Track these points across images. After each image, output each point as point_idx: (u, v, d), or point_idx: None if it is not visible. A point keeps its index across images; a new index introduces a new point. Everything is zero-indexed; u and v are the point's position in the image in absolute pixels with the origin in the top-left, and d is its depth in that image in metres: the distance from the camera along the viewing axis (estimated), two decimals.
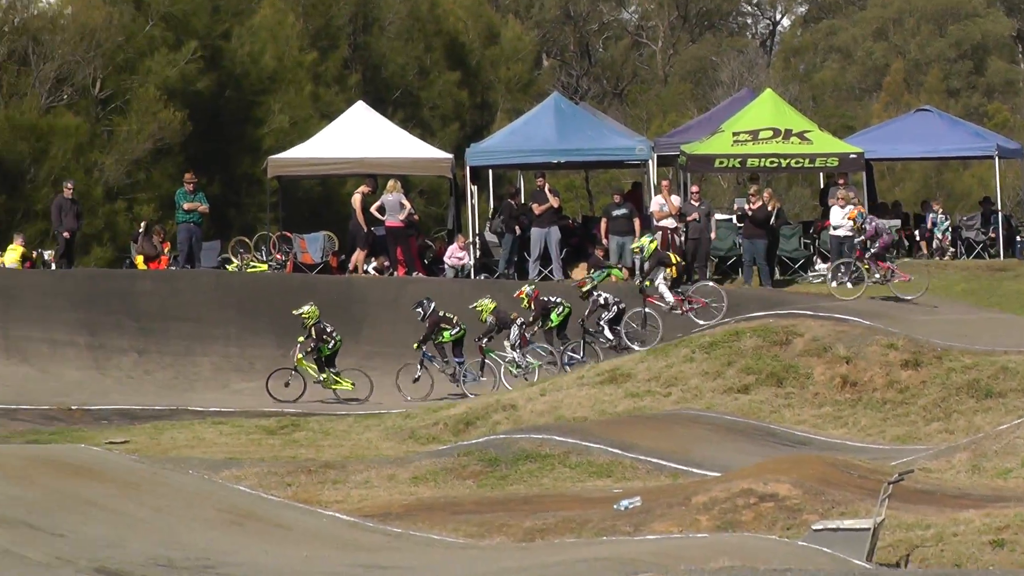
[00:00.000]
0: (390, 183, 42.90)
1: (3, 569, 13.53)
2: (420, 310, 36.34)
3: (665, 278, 37.14)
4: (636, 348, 35.35)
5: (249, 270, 42.49)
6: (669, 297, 36.71)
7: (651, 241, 38.22)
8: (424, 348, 36.00)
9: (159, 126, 59.56)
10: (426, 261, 43.12)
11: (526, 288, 37.00)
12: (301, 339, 36.00)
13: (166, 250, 43.76)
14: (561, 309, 36.49)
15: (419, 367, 35.95)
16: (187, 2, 63.02)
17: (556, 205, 42.99)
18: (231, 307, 39.65)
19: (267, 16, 65.84)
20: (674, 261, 37.86)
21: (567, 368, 35.44)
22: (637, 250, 38.69)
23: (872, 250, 38.02)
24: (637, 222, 42.08)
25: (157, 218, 51.91)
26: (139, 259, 43.72)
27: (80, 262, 45.82)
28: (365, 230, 42.14)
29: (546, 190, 42.56)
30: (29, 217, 54.91)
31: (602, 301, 36.58)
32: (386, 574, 15.32)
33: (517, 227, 42.44)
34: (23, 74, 60.26)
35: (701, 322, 36.13)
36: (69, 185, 44.06)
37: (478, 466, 25.32)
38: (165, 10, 62.18)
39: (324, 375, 35.78)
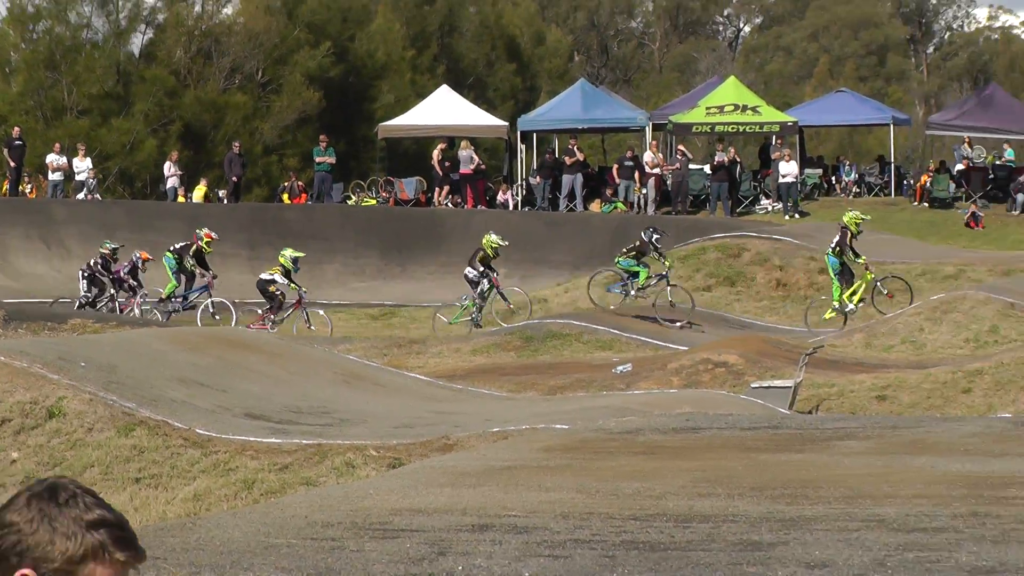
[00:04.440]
0: (463, 143, 42.93)
1: (181, 413, 13.72)
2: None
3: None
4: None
5: (363, 204, 42.55)
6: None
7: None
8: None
9: (302, 103, 59.46)
10: (488, 198, 43.13)
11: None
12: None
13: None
14: None
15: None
16: (323, 13, 62.83)
17: (581, 158, 42.91)
18: (350, 230, 39.69)
19: (380, 24, 65.59)
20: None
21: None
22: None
23: None
24: (637, 174, 42.06)
25: (300, 167, 51.89)
26: (285, 196, 43.86)
27: (244, 198, 45.84)
28: (442, 175, 42.20)
29: (575, 148, 42.50)
30: (210, 167, 55.01)
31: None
32: (451, 417, 15.47)
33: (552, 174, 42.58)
34: (207, 65, 60.21)
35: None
36: (237, 144, 44.13)
37: (519, 342, 25.41)
38: (308, 19, 61.98)
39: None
